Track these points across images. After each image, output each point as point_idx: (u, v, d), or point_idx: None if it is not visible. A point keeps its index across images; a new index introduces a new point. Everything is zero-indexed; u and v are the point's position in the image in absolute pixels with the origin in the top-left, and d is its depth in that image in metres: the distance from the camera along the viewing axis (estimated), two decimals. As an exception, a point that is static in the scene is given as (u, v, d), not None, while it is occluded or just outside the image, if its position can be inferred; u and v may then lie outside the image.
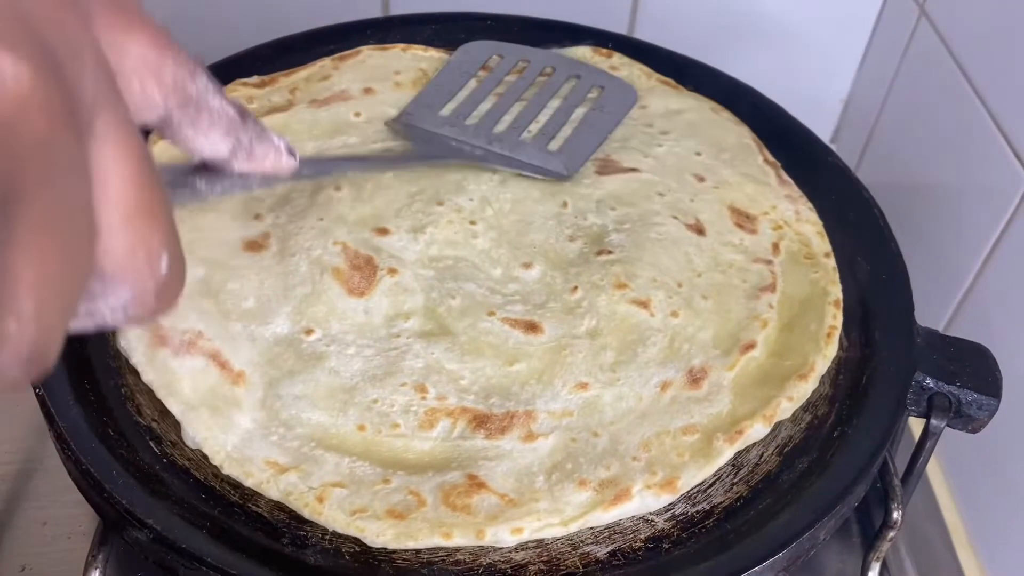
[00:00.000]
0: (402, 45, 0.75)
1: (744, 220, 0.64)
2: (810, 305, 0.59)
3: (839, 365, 0.58)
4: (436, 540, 0.47)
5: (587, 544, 0.49)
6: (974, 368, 0.56)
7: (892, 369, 0.56)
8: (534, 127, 0.66)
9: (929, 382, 0.56)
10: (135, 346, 0.53)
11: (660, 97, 0.73)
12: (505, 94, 0.68)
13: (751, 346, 0.56)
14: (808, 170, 0.69)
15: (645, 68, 0.75)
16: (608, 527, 0.49)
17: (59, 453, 0.51)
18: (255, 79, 0.70)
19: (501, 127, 0.66)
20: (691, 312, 0.58)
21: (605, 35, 0.79)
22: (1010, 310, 0.68)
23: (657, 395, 0.54)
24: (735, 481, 0.52)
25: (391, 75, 0.72)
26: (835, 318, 0.58)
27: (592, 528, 0.49)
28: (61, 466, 0.51)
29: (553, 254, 0.60)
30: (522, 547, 0.48)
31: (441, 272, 0.58)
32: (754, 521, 0.50)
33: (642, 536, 0.49)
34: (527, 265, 0.59)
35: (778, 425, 0.54)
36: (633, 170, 0.66)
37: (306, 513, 0.48)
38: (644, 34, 0.84)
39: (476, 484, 0.49)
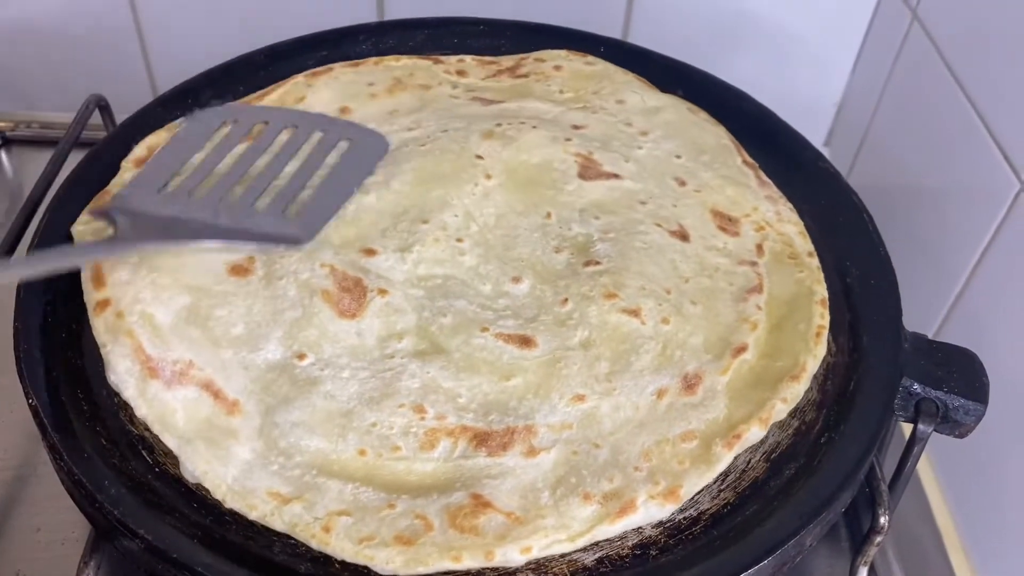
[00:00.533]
0: (374, 59, 0.75)
1: (727, 223, 0.64)
2: (797, 305, 0.60)
3: (827, 370, 0.58)
4: (446, 564, 0.47)
5: (575, 551, 0.49)
6: (961, 373, 0.57)
7: (880, 374, 0.57)
8: (269, 193, 0.60)
9: (916, 387, 0.56)
10: (126, 380, 0.52)
11: (636, 92, 0.74)
12: (238, 161, 0.61)
13: (743, 349, 0.57)
14: (799, 175, 0.70)
15: (616, 66, 0.76)
16: (595, 534, 0.50)
17: (52, 463, 0.51)
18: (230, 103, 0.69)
19: (232, 197, 0.59)
20: (681, 318, 0.58)
21: (599, 39, 0.80)
22: (1001, 314, 0.68)
23: (654, 403, 0.54)
24: (722, 488, 0.52)
25: (365, 88, 0.72)
26: (823, 317, 0.58)
27: None
28: (55, 472, 0.52)
29: (541, 267, 0.60)
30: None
31: (431, 291, 0.58)
32: (741, 527, 0.50)
33: (629, 543, 0.49)
34: (516, 279, 0.59)
35: (766, 431, 0.54)
36: (615, 176, 0.66)
37: (313, 544, 0.47)
38: (638, 38, 0.84)
39: (481, 504, 0.49)
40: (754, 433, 0.53)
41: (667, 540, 0.50)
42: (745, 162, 0.69)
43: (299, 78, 0.72)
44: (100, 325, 0.54)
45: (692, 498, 0.51)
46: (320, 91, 0.71)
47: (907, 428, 0.58)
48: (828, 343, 0.58)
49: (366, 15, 0.92)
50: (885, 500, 0.56)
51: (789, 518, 0.50)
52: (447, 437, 0.52)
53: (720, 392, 0.55)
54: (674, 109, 0.73)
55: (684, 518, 0.51)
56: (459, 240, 0.61)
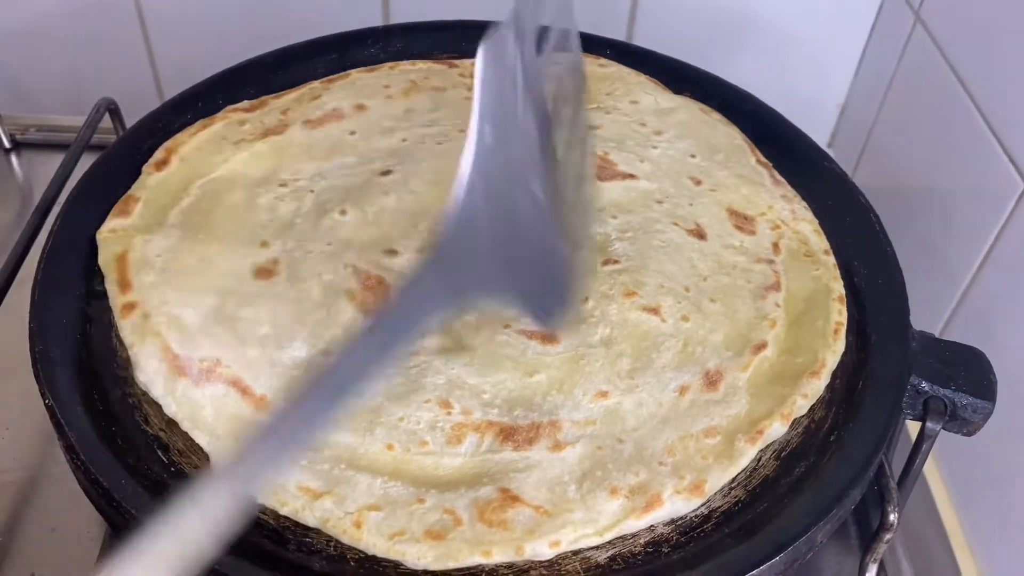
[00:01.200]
0: (389, 64, 0.76)
1: (743, 221, 0.65)
2: (814, 302, 0.60)
3: (836, 368, 0.58)
4: (476, 559, 0.47)
5: (588, 548, 0.49)
6: (969, 372, 0.57)
7: (888, 373, 0.57)
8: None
9: (924, 386, 0.56)
10: (154, 380, 0.53)
11: (650, 93, 0.74)
12: None
13: (762, 346, 0.57)
14: (806, 175, 0.70)
15: (629, 68, 0.76)
16: (609, 531, 0.50)
17: (68, 462, 0.51)
18: (245, 104, 0.70)
19: None
20: (701, 316, 0.59)
21: (604, 41, 0.80)
22: (1006, 312, 0.68)
23: (676, 399, 0.55)
24: (733, 486, 0.52)
25: (381, 89, 0.72)
26: (840, 314, 0.59)
27: None
28: (70, 472, 0.52)
29: None
30: (525, 549, 0.49)
31: None
32: (752, 525, 0.51)
33: (642, 540, 0.50)
34: None
35: (778, 429, 0.55)
36: (631, 176, 0.67)
37: (345, 540, 0.48)
38: (642, 40, 0.85)
39: (510, 498, 0.49)
40: (776, 429, 0.53)
41: (679, 538, 0.50)
42: (759, 161, 0.70)
43: (315, 84, 0.73)
44: (127, 327, 0.55)
45: (704, 495, 0.52)
46: (336, 92, 0.72)
47: (914, 426, 0.58)
48: (838, 341, 0.59)
49: (372, 19, 0.93)
50: (895, 498, 0.56)
51: (800, 515, 0.50)
52: (474, 432, 0.52)
53: (741, 388, 0.55)
54: (687, 109, 0.73)
55: (696, 515, 0.51)
56: None
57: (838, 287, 0.61)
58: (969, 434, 0.57)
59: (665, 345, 0.57)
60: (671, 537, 0.50)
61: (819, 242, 0.65)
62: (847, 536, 0.65)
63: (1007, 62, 0.70)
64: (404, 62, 0.76)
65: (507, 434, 0.52)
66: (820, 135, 0.99)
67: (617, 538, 0.50)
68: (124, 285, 0.57)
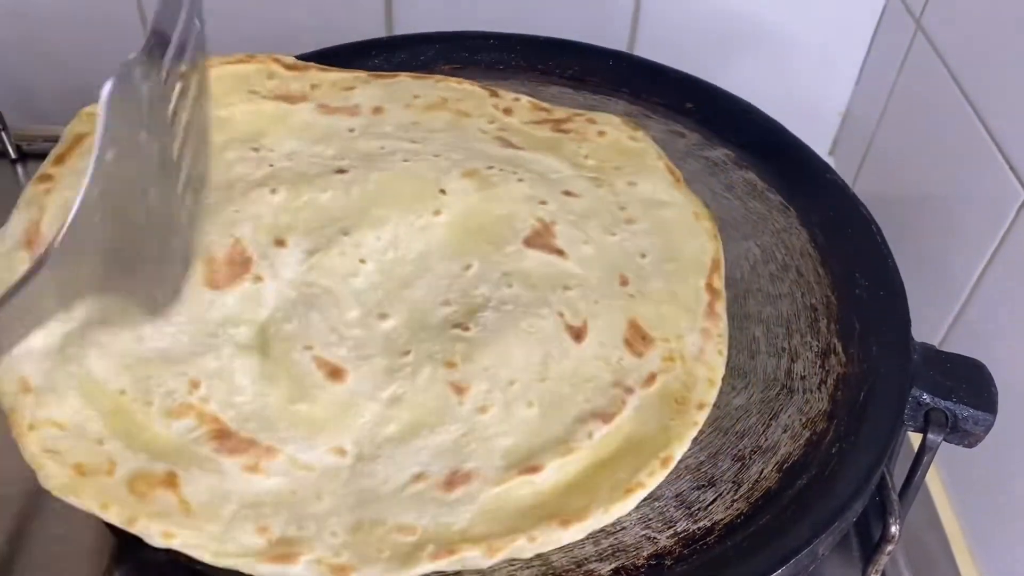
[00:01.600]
0: (437, 76, 0.73)
1: (637, 339, 0.58)
2: (639, 451, 0.52)
3: (837, 381, 0.59)
4: (94, 506, 0.46)
5: (591, 562, 0.49)
6: (970, 383, 0.57)
7: (889, 385, 0.57)
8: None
9: (926, 397, 0.57)
10: (3, 239, 0.55)
11: (655, 183, 0.68)
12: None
13: (533, 470, 0.51)
14: (807, 186, 0.70)
15: (659, 150, 0.71)
16: (611, 544, 0.50)
17: (74, 475, 0.52)
18: (289, 60, 0.70)
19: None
20: (503, 414, 0.53)
21: (605, 52, 0.80)
22: (1006, 323, 0.69)
23: (405, 484, 0.50)
24: (736, 498, 0.53)
25: (410, 99, 0.71)
26: (650, 476, 0.51)
27: (596, 546, 0.50)
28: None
29: (419, 314, 0.57)
30: (527, 565, 0.49)
31: (304, 296, 0.56)
32: (755, 537, 0.51)
33: (644, 553, 0.50)
34: (383, 316, 0.57)
35: (777, 442, 0.55)
36: (559, 253, 0.61)
37: (13, 434, 0.48)
38: (643, 50, 0.85)
39: (170, 482, 0.48)
40: (473, 557, 0.47)
41: (682, 550, 0.50)
42: (709, 286, 0.61)
43: (362, 74, 0.72)
44: (29, 193, 0.56)
45: (706, 508, 0.52)
46: (369, 90, 0.70)
47: (916, 437, 0.58)
48: (838, 354, 0.59)
49: (375, 31, 0.94)
50: (896, 509, 0.56)
51: (802, 528, 0.51)
52: (194, 418, 0.50)
53: (477, 501, 0.49)
54: (679, 209, 0.66)
55: (698, 528, 0.51)
56: (362, 261, 0.59)
57: (676, 448, 0.53)
58: (970, 446, 0.58)
59: (445, 428, 0.52)
60: (674, 549, 0.50)
61: (702, 394, 0.56)
62: (849, 548, 0.65)
63: (1008, 70, 0.70)
64: (452, 79, 0.73)
65: (221, 436, 0.50)
66: (821, 143, 1.00)
67: (619, 551, 0.50)
68: (59, 159, 0.58)
